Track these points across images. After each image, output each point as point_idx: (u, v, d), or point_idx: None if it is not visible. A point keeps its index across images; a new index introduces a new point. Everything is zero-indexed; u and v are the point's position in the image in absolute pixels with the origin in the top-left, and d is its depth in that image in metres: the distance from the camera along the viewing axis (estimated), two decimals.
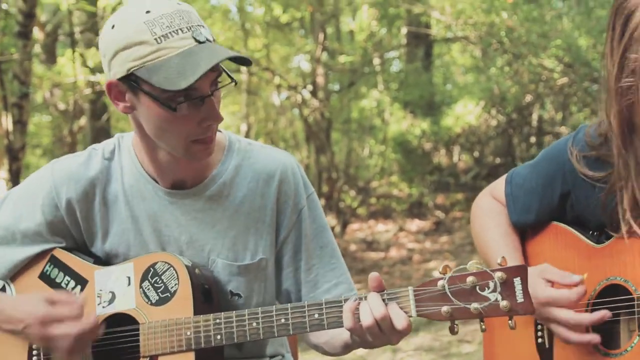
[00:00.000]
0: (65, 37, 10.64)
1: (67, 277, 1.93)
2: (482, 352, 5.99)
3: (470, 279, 1.56)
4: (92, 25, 10.04)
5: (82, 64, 9.56)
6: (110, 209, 1.92)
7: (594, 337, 1.75)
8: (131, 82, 1.72)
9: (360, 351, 5.48)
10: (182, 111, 1.71)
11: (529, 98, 11.06)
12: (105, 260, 1.95)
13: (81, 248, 1.97)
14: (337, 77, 11.24)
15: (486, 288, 1.55)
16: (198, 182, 1.90)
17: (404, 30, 11.27)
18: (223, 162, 1.92)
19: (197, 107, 1.72)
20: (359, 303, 1.64)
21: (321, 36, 10.13)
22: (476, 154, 11.63)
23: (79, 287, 1.91)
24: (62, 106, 10.70)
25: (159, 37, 1.66)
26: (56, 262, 1.94)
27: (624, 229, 1.73)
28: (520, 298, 1.54)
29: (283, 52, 11.56)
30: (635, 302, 1.71)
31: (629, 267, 1.75)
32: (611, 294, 1.78)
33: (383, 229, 10.21)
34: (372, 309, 1.61)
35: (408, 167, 11.18)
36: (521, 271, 1.55)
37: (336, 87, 12.22)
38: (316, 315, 1.70)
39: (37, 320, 1.78)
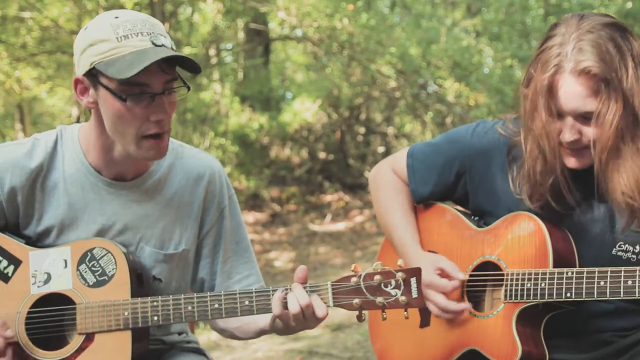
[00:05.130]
0: None
1: None
2: (327, 336, 6.42)
3: (377, 277, 1.89)
4: None
5: None
6: (49, 195, 2.05)
7: (467, 307, 2.18)
8: (93, 76, 1.90)
9: (215, 335, 5.71)
10: (132, 104, 1.89)
11: (360, 99, 11.78)
12: (35, 241, 2.07)
13: (10, 229, 2.08)
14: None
15: (389, 285, 1.88)
16: (137, 176, 2.08)
17: (242, 26, 11.52)
18: (159, 160, 2.10)
19: (148, 103, 1.91)
20: (287, 293, 1.92)
21: (166, 26, 10.11)
22: (310, 149, 12.18)
23: (12, 266, 2.02)
24: None
25: (120, 37, 1.87)
26: None
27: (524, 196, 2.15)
28: (415, 294, 1.88)
29: None
30: (504, 277, 2.14)
31: (503, 249, 2.18)
32: (484, 269, 2.22)
33: None
34: (298, 298, 1.91)
35: (246, 160, 11.46)
36: (417, 272, 1.89)
37: None
38: (246, 302, 1.96)
39: None
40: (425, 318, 2.32)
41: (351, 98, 11.36)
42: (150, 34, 1.90)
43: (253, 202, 11.14)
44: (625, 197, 2.00)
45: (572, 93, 1.99)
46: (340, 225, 10.02)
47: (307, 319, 1.92)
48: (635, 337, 2.14)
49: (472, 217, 2.33)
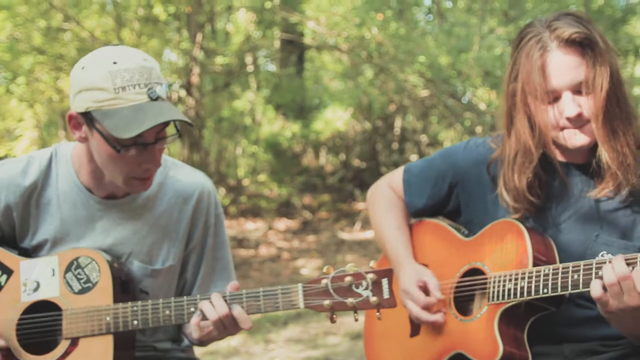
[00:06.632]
0: None
1: None
2: (345, 344, 6.42)
3: (348, 278, 1.94)
4: None
5: None
6: (43, 211, 2.16)
7: (438, 319, 2.22)
8: (88, 118, 1.98)
9: (235, 342, 5.81)
10: (126, 153, 1.97)
11: (393, 108, 11.79)
12: (31, 253, 2.18)
13: (7, 242, 2.19)
14: (212, 77, 11.44)
15: (360, 286, 1.94)
16: (127, 194, 2.18)
17: (278, 35, 11.65)
18: None
19: (140, 151, 1.99)
20: (202, 315, 2.03)
21: (199, 36, 10.29)
22: (342, 157, 12.24)
23: (4, 276, 2.13)
24: None
25: (118, 88, 1.92)
26: None
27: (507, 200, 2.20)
28: (386, 295, 1.94)
29: (157, 47, 11.54)
30: (488, 281, 2.19)
31: (487, 255, 2.24)
32: (471, 275, 2.27)
33: (253, 227, 10.53)
34: (216, 308, 2.00)
35: (278, 168, 11.57)
36: (388, 273, 1.95)
37: (209, 86, 12.37)
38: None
39: None
40: (415, 327, 2.36)
41: (383, 106, 11.38)
42: (147, 84, 1.94)
43: (285, 209, 11.23)
44: (618, 163, 2.07)
45: (565, 66, 2.07)
46: (369, 234, 10.03)
47: (227, 327, 2.01)
48: (622, 351, 2.16)
49: (462, 230, 2.40)
